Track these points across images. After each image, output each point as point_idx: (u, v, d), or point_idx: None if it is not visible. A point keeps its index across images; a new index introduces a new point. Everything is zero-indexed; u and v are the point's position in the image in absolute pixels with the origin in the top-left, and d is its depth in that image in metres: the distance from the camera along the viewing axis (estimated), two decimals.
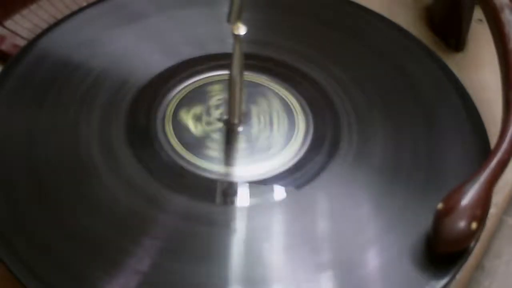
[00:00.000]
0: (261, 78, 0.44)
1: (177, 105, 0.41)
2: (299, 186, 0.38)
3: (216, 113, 0.41)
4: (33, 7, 0.50)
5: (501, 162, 0.36)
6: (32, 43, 0.44)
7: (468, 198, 0.34)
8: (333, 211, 0.37)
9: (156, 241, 0.35)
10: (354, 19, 0.49)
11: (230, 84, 0.39)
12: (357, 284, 0.34)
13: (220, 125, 0.41)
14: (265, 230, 0.36)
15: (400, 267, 0.35)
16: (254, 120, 0.41)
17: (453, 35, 0.50)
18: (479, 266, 0.41)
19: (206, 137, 0.40)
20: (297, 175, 0.39)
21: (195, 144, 0.39)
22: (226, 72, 0.39)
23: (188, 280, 0.34)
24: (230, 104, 0.40)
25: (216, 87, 0.43)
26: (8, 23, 0.49)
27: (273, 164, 0.39)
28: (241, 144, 0.40)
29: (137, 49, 0.44)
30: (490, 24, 0.44)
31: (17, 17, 0.49)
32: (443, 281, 0.34)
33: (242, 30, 0.36)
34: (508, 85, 0.40)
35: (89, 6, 0.47)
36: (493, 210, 0.40)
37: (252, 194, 0.38)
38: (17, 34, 0.48)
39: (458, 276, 0.37)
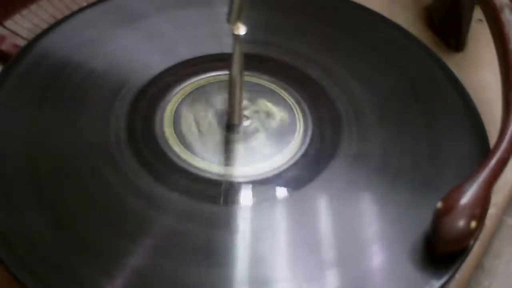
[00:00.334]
0: (261, 78, 0.44)
1: (177, 105, 0.41)
2: (299, 186, 0.38)
3: (216, 113, 0.41)
4: (33, 7, 0.50)
5: (501, 162, 0.36)
6: (32, 43, 0.44)
7: (467, 197, 0.34)
8: (333, 211, 0.37)
9: (156, 242, 0.35)
10: (354, 19, 0.49)
11: (230, 84, 0.39)
12: (357, 283, 0.34)
13: (220, 125, 0.41)
14: (266, 230, 0.36)
15: (400, 266, 0.35)
16: (254, 120, 0.41)
17: (453, 35, 0.50)
18: (479, 266, 0.41)
19: (206, 137, 0.40)
20: (297, 175, 0.39)
21: (195, 144, 0.39)
22: (226, 72, 0.39)
23: (188, 280, 0.34)
24: (230, 104, 0.40)
25: (216, 87, 0.43)
26: (8, 23, 0.49)
27: (274, 164, 0.39)
28: (241, 144, 0.40)
29: (137, 49, 0.44)
30: (490, 24, 0.44)
31: (17, 17, 0.49)
32: (443, 280, 0.34)
33: (242, 30, 0.36)
34: (508, 85, 0.40)
35: (89, 6, 0.47)
36: (492, 210, 0.40)
37: (252, 194, 0.38)
38: (17, 34, 0.48)
39: (457, 276, 0.37)
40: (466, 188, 0.34)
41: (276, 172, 0.39)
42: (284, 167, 0.39)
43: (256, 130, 0.41)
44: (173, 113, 0.41)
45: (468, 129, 0.42)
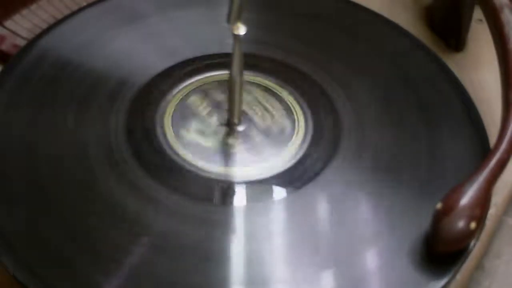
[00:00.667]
0: (261, 78, 0.44)
1: (176, 105, 0.41)
2: (298, 186, 0.38)
3: (216, 113, 0.41)
4: (33, 7, 0.50)
5: (500, 162, 0.36)
6: (32, 43, 0.44)
7: (467, 197, 0.34)
8: (332, 211, 0.37)
9: (155, 241, 0.35)
10: (354, 19, 0.49)
11: (230, 84, 0.39)
12: (356, 284, 0.34)
13: (219, 125, 0.41)
14: (264, 230, 0.36)
15: (400, 267, 0.35)
16: (254, 120, 0.41)
17: (453, 35, 0.50)
18: (479, 266, 0.41)
19: (205, 137, 0.40)
20: (297, 175, 0.38)
21: (195, 144, 0.39)
22: (226, 72, 0.39)
23: (187, 280, 0.34)
24: (230, 104, 0.40)
25: (216, 87, 0.43)
26: (8, 23, 0.49)
27: (273, 164, 0.39)
28: (241, 144, 0.40)
29: (136, 49, 0.44)
30: (490, 24, 0.44)
31: (17, 17, 0.49)
32: (443, 281, 0.34)
33: (242, 30, 0.36)
34: (508, 85, 0.40)
35: (89, 6, 0.47)
36: (493, 211, 0.40)
37: (251, 194, 0.38)
38: (17, 34, 0.48)
39: (458, 276, 0.37)
40: (466, 189, 0.34)
41: (275, 172, 0.39)
42: (284, 167, 0.39)
43: (256, 130, 0.41)
44: (173, 113, 0.41)
45: (468, 129, 0.42)
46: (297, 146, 0.40)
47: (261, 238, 0.36)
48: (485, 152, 0.40)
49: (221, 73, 0.43)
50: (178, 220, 0.36)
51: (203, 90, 0.43)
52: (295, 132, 0.41)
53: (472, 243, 0.35)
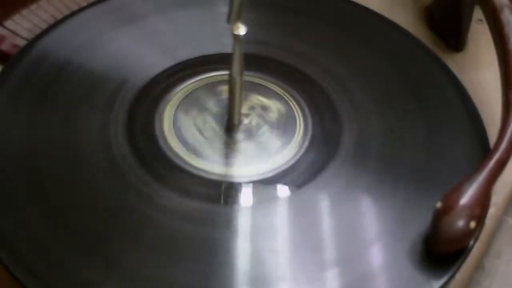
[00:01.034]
0: (261, 78, 0.44)
1: (176, 105, 0.41)
2: (299, 186, 0.38)
3: (216, 113, 0.41)
4: (33, 7, 0.50)
5: (500, 161, 0.36)
6: (32, 43, 0.44)
7: (467, 197, 0.34)
8: (333, 211, 0.37)
9: (156, 242, 0.35)
10: (354, 19, 0.49)
11: (230, 84, 0.39)
12: (357, 283, 0.34)
13: (220, 125, 0.41)
14: (267, 229, 0.36)
15: (400, 266, 0.35)
16: (254, 120, 0.41)
17: (453, 35, 0.50)
18: (479, 266, 0.41)
19: (206, 137, 0.40)
20: (298, 174, 0.39)
21: (195, 144, 0.39)
22: (226, 72, 0.39)
23: (189, 280, 0.34)
24: (230, 104, 0.40)
25: (216, 87, 0.43)
26: (8, 23, 0.49)
27: (274, 164, 0.39)
28: (241, 144, 0.40)
29: (136, 50, 0.44)
30: (490, 24, 0.44)
31: (17, 17, 0.49)
32: (442, 280, 0.34)
33: (242, 30, 0.36)
34: (508, 85, 0.40)
35: (89, 6, 0.47)
36: (492, 210, 0.40)
37: (253, 194, 0.38)
38: (17, 34, 0.48)
39: (457, 276, 0.37)
40: (466, 188, 0.34)
41: (276, 172, 0.39)
42: (285, 167, 0.39)
43: (256, 130, 0.41)
44: (173, 113, 0.41)
45: (468, 129, 0.42)
46: (298, 146, 0.40)
47: (263, 238, 0.36)
48: (485, 152, 0.40)
49: (221, 74, 0.43)
50: (179, 220, 0.36)
51: (203, 91, 0.42)
52: (296, 132, 0.41)
53: (471, 243, 0.35)
